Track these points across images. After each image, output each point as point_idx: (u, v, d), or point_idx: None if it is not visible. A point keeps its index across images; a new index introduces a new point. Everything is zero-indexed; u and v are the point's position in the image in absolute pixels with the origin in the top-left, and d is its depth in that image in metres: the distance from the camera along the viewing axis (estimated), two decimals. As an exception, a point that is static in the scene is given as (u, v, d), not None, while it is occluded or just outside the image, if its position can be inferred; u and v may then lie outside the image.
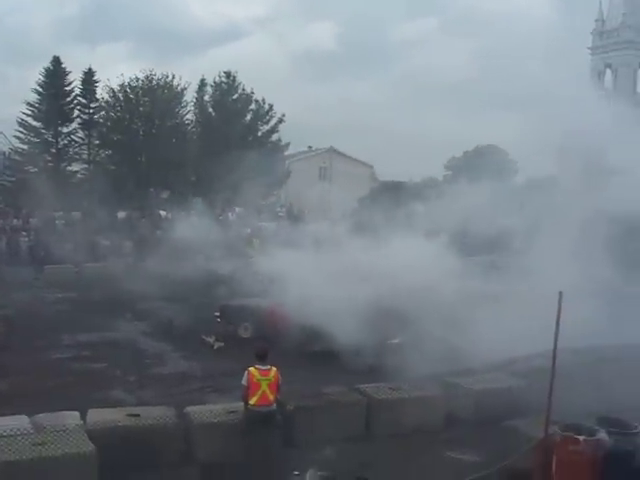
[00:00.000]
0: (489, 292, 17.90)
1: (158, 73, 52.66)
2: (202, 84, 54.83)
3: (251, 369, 11.02)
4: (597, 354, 14.82)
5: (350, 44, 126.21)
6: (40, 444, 10.08)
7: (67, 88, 52.22)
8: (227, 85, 54.83)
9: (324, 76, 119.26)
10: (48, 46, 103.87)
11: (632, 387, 12.73)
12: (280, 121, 55.65)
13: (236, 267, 23.22)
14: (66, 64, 52.14)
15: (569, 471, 10.11)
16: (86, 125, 52.67)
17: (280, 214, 43.14)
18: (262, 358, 11.15)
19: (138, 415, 11.51)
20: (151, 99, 51.57)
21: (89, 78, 52.51)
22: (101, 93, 52.49)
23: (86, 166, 53.39)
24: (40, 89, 51.29)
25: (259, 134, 55.41)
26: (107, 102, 52.47)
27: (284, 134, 56.66)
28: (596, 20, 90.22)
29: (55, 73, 51.42)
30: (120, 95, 52.01)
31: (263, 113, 55.43)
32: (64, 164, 52.66)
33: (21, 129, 51.33)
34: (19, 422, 10.88)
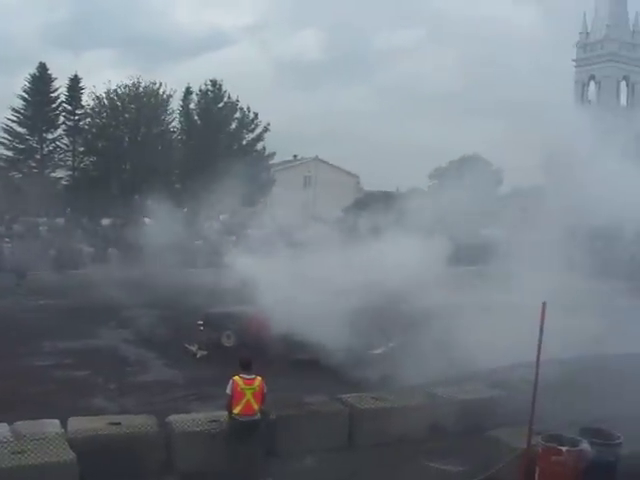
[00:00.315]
0: (473, 302, 17.95)
1: (144, 80, 52.75)
2: (188, 92, 54.80)
3: (235, 378, 10.96)
4: (580, 364, 14.86)
5: (335, 53, 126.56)
6: (19, 452, 9.98)
7: (53, 94, 52.07)
8: (213, 93, 54.83)
9: (310, 85, 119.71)
10: (34, 52, 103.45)
11: (615, 397, 12.78)
12: (265, 130, 55.73)
13: (218, 275, 23.10)
14: (52, 70, 52.16)
15: (551, 482, 10.13)
16: (71, 132, 52.47)
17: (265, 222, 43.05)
18: (247, 367, 11.09)
19: (119, 423, 11.43)
20: (137, 106, 51.54)
21: (75, 85, 52.33)
22: (87, 100, 52.48)
23: (70, 173, 53.18)
24: (25, 95, 51.14)
25: (244, 142, 55.40)
26: (92, 109, 52.38)
27: (269, 143, 56.77)
28: (580, 33, 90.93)
29: (41, 79, 51.27)
30: (106, 102, 51.95)
31: (248, 121, 55.47)
32: (48, 170, 52.47)
33: (6, 135, 51.24)
34: (-2, 430, 10.80)
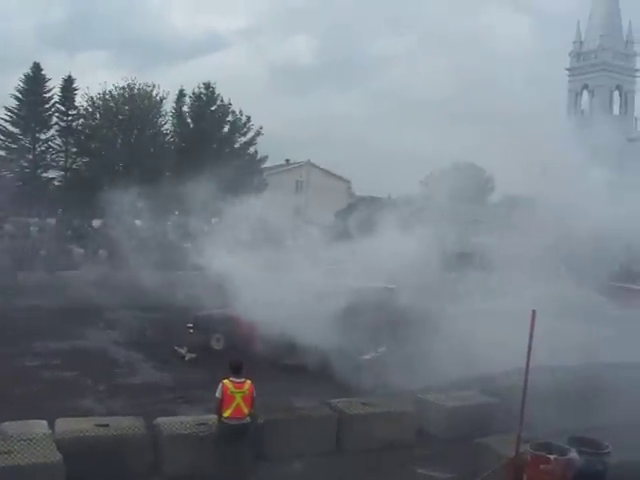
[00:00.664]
0: (463, 309, 17.97)
1: (138, 82, 52.72)
2: (181, 95, 54.77)
3: (225, 381, 10.92)
4: (570, 373, 14.86)
5: (328, 58, 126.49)
6: (6, 453, 9.93)
7: (46, 95, 51.95)
8: (206, 96, 54.83)
9: (302, 89, 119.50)
10: (28, 52, 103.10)
11: (605, 406, 12.81)
12: (258, 134, 55.74)
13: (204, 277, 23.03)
14: (46, 71, 52.08)
15: (539, 490, 10.12)
16: (64, 132, 52.34)
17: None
18: (237, 371, 11.06)
19: (107, 425, 11.39)
20: (130, 108, 51.49)
21: (69, 85, 52.24)
22: (80, 101, 52.37)
23: (63, 173, 53.07)
24: (19, 95, 51.02)
25: (236, 146, 55.39)
26: (86, 110, 52.32)
27: (262, 147, 56.73)
28: (574, 42, 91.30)
29: (35, 79, 51.17)
30: (100, 103, 51.90)
31: (240, 125, 55.47)
32: (40, 171, 52.31)
33: (-2, 134, 51.01)
34: (-15, 430, 10.75)
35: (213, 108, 54.91)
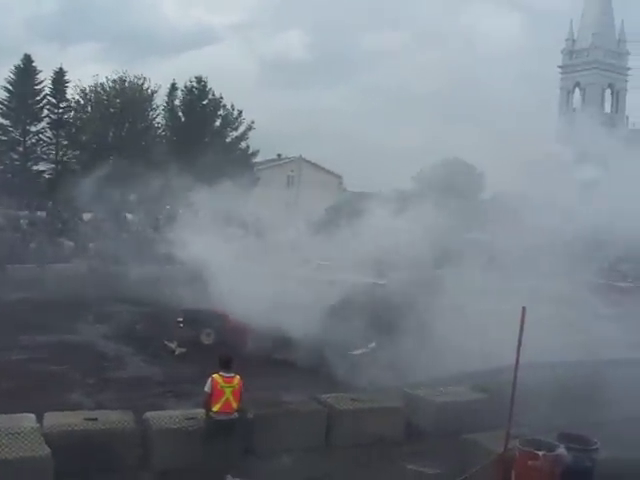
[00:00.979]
0: (453, 306, 17.98)
1: (130, 75, 52.59)
2: (173, 88, 54.60)
3: (215, 376, 10.91)
4: (559, 370, 14.90)
5: (320, 53, 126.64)
6: (-6, 446, 9.90)
7: (37, 87, 51.66)
8: (197, 90, 54.69)
9: (294, 84, 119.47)
10: (19, 43, 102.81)
11: (597, 402, 12.85)
12: (249, 128, 55.63)
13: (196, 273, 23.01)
14: (37, 63, 51.74)
15: (528, 486, 10.15)
16: (55, 125, 52.13)
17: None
18: (227, 365, 11.05)
19: (95, 419, 11.35)
20: (122, 101, 51.35)
21: (60, 78, 51.97)
22: (72, 93, 52.17)
23: (53, 166, 52.88)
24: (10, 87, 50.73)
25: (228, 140, 55.28)
26: (77, 102, 52.15)
27: (254, 141, 56.63)
28: (566, 39, 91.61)
29: (25, 71, 50.84)
30: (92, 95, 51.73)
31: (232, 119, 55.37)
32: (31, 163, 52.09)
33: (-12, 127, 50.77)
34: (-27, 423, 10.69)
35: (205, 102, 54.78)
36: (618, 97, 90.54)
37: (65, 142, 52.83)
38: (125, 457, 11.05)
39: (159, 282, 24.82)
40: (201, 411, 11.32)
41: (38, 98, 51.77)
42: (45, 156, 52.87)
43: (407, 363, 15.65)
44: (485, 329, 15.96)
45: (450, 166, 27.68)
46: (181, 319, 21.59)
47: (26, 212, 42.69)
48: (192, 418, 11.62)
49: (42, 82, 51.76)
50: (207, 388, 10.88)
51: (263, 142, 58.73)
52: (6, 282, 29.73)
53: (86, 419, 11.33)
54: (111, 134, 51.67)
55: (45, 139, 52.59)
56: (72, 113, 52.38)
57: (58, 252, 35.30)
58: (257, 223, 26.15)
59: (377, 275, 23.17)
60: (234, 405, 10.90)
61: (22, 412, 11.44)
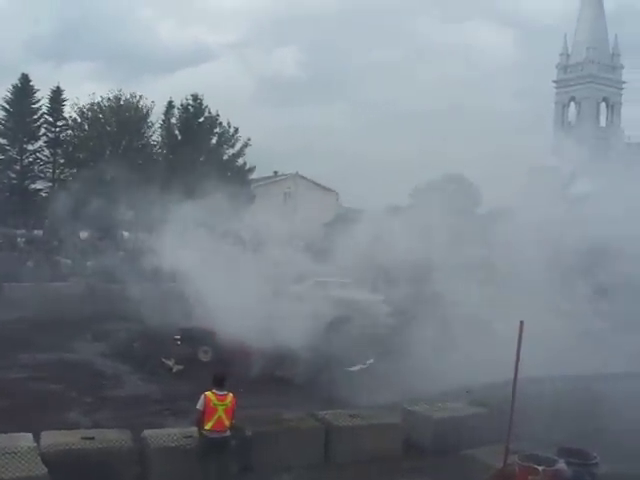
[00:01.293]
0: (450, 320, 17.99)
1: (125, 93, 52.72)
2: (170, 106, 54.71)
3: (208, 393, 10.84)
4: (557, 384, 14.88)
5: (316, 70, 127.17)
6: (-10, 466, 9.85)
7: (34, 106, 51.84)
8: (194, 108, 54.80)
9: (290, 101, 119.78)
10: (16, 63, 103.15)
11: (595, 417, 12.82)
12: (246, 145, 55.72)
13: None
14: (34, 82, 51.99)
15: (527, 501, 10.11)
16: (52, 143, 52.25)
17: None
18: (220, 383, 10.97)
19: (93, 438, 11.29)
20: (118, 119, 51.45)
21: (57, 96, 52.22)
22: (69, 112, 52.31)
23: (50, 184, 52.93)
24: (7, 106, 50.92)
25: (224, 157, 55.36)
26: (74, 121, 52.25)
27: (250, 158, 56.65)
28: (561, 54, 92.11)
29: (23, 91, 51.07)
30: (88, 114, 51.84)
31: (228, 137, 55.47)
32: (28, 182, 52.16)
33: (-15, 146, 50.87)
34: (-31, 443, 10.64)
35: (201, 120, 54.89)
36: (613, 111, 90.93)
37: (62, 160, 52.91)
38: (123, 476, 10.99)
39: (156, 300, 24.79)
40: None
41: (35, 117, 51.98)
42: (42, 174, 52.99)
43: (405, 378, 15.61)
44: (484, 342, 15.95)
45: (446, 181, 27.70)
46: (178, 336, 21.56)
47: (23, 230, 42.69)
48: (190, 436, 11.56)
49: (39, 101, 52.08)
50: (199, 406, 10.81)
51: (259, 159, 58.83)
52: (3, 301, 29.68)
53: (83, 438, 11.28)
54: (108, 152, 51.70)
55: (42, 157, 52.76)
56: (69, 131, 52.49)
57: (55, 270, 35.29)
58: (254, 240, 26.17)
59: (373, 290, 23.19)
60: (227, 423, 10.81)
61: (19, 431, 11.39)
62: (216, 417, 10.71)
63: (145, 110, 53.11)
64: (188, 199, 25.69)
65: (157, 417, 15.40)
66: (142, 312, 24.30)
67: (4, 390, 16.75)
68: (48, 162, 52.88)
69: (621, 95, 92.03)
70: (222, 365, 15.26)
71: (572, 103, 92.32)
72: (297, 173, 69.75)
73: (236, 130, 55.50)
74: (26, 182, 51.98)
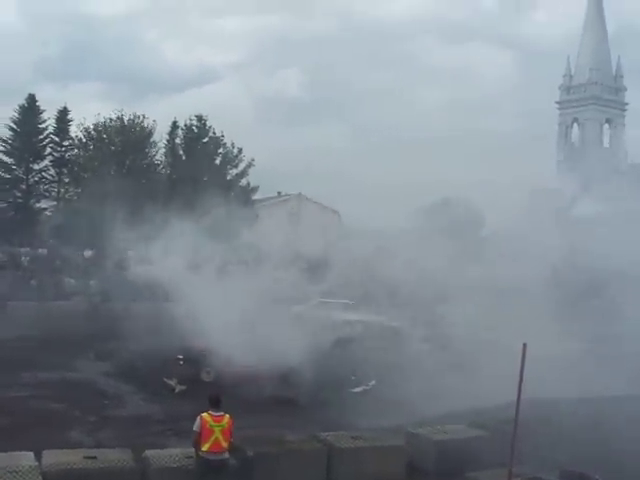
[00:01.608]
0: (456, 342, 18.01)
1: (129, 113, 52.90)
2: (174, 127, 54.86)
3: (204, 415, 10.71)
4: (559, 407, 14.84)
5: (320, 92, 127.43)
6: (-8, 485, 9.85)
7: (41, 126, 52.10)
8: (198, 128, 54.94)
9: (294, 122, 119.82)
10: (23, 83, 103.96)
11: (597, 440, 12.77)
12: (249, 165, 55.78)
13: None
14: (40, 102, 52.32)
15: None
16: (58, 163, 52.44)
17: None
18: (216, 404, 10.86)
19: (95, 457, 11.28)
20: (122, 139, 51.59)
21: (63, 117, 52.48)
22: (75, 131, 52.51)
23: (55, 203, 53.10)
24: (14, 126, 51.17)
25: (228, 178, 55.42)
26: (80, 140, 52.44)
27: (254, 179, 56.68)
28: (564, 75, 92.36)
29: (30, 110, 51.33)
30: (94, 134, 52.02)
31: (232, 157, 55.56)
32: (33, 200, 52.32)
33: (-8, 165, 51.09)
34: (-29, 462, 10.63)
35: (205, 140, 55.01)
36: (616, 132, 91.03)
37: (67, 180, 53.11)
38: (124, 496, 10.98)
39: (159, 319, 24.81)
40: (199, 450, 11.24)
41: (41, 137, 52.19)
42: (47, 193, 53.16)
43: (408, 400, 15.59)
44: (488, 365, 15.94)
45: (449, 204, 27.76)
46: (181, 356, 21.54)
47: (27, 249, 42.79)
48: (191, 457, 11.51)
49: (46, 121, 52.31)
50: (196, 427, 10.69)
51: (263, 180, 58.91)
52: (7, 319, 29.73)
53: (85, 457, 11.26)
54: (112, 172, 51.83)
55: (48, 177, 52.91)
56: (75, 151, 52.69)
57: (59, 289, 35.35)
58: (257, 259, 26.20)
59: (376, 312, 23.21)
60: (224, 444, 10.68)
61: (21, 450, 11.38)
62: (213, 438, 10.59)
63: (148, 129, 53.25)
64: (191, 218, 25.74)
65: (159, 437, 15.37)
66: (145, 331, 24.35)
67: (6, 408, 16.75)
68: (53, 181, 53.06)
69: (624, 117, 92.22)
70: (224, 386, 15.26)
71: (575, 124, 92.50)
72: (300, 194, 69.87)
73: (240, 150, 55.63)
74: (31, 201, 52.13)
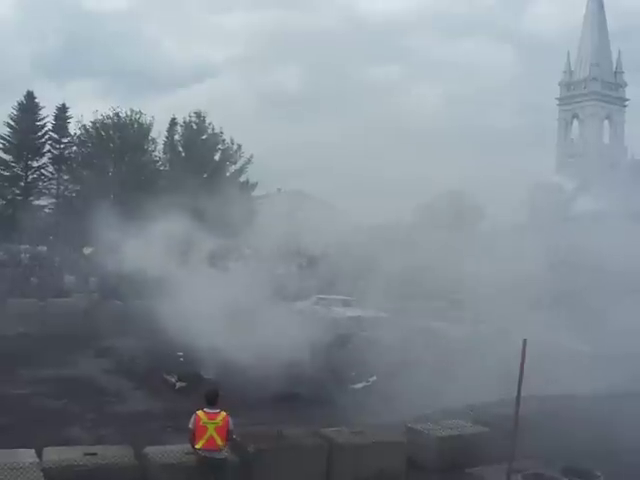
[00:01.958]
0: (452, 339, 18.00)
1: (126, 110, 52.87)
2: (173, 123, 54.80)
3: (198, 412, 10.57)
4: (559, 403, 14.84)
5: (320, 87, 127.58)
6: (-8, 482, 9.84)
7: (39, 123, 52.16)
8: (197, 125, 54.86)
9: (293, 118, 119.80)
10: (21, 81, 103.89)
11: (598, 435, 12.77)
12: (248, 162, 55.70)
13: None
14: (39, 99, 52.46)
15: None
16: (56, 160, 52.45)
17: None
18: (211, 401, 10.67)
19: (95, 454, 11.26)
20: (120, 136, 51.55)
21: (62, 114, 52.50)
22: (74, 129, 52.49)
23: (54, 200, 53.07)
24: (12, 123, 51.18)
25: (227, 174, 55.33)
26: (79, 137, 52.40)
27: (254, 176, 56.61)
28: (564, 71, 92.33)
29: (28, 107, 51.40)
30: (92, 131, 51.98)
31: (231, 153, 55.46)
32: (32, 198, 52.30)
33: (-10, 162, 51.08)
34: (-28, 459, 10.62)
35: (204, 137, 54.93)
36: (617, 128, 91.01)
37: (66, 177, 53.07)
38: (125, 492, 10.97)
39: (159, 316, 24.80)
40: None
41: (40, 134, 52.22)
42: (46, 191, 53.17)
43: (408, 396, 15.57)
44: (486, 361, 15.93)
45: (450, 198, 27.75)
46: (182, 353, 21.52)
47: (27, 246, 42.76)
48: (192, 453, 11.52)
49: (44, 118, 52.42)
50: (190, 425, 10.58)
51: (263, 176, 58.82)
52: (7, 316, 29.69)
53: (86, 454, 11.25)
54: (111, 169, 51.81)
55: (46, 174, 52.97)
56: (74, 148, 52.67)
57: (59, 286, 35.32)
58: (257, 255, 26.20)
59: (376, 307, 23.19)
60: (219, 442, 10.50)
61: (21, 447, 11.38)
62: (207, 436, 10.42)
63: (146, 126, 53.18)
64: (189, 215, 25.73)
65: (159, 434, 15.32)
66: (145, 328, 24.34)
67: (6, 406, 16.73)
68: (52, 178, 53.11)
69: (624, 113, 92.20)
70: (224, 382, 15.24)
71: (575, 120, 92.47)
72: (300, 190, 69.80)
73: (239, 147, 55.56)
74: (30, 198, 52.11)
